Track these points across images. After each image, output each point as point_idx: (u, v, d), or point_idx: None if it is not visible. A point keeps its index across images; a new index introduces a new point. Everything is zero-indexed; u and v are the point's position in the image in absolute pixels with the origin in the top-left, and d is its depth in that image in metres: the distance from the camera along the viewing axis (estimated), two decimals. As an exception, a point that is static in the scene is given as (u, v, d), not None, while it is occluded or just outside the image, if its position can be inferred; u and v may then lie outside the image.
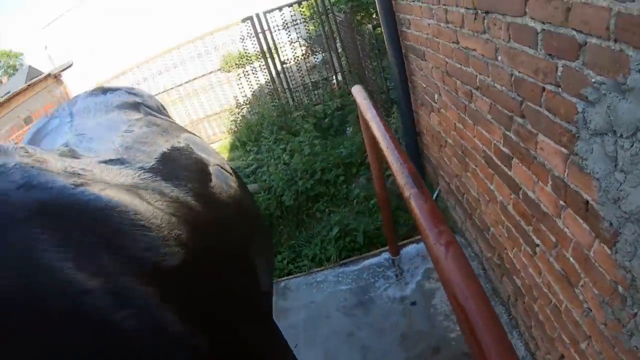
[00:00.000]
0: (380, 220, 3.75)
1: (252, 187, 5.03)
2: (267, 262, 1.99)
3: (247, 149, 6.44)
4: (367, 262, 3.36)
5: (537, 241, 1.80)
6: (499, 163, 2.01)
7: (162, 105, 2.47)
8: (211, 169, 1.73)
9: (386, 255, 3.32)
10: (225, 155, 7.07)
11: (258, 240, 1.95)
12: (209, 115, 8.27)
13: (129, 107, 1.94)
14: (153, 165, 1.41)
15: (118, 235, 0.98)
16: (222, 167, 1.84)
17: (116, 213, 1.00)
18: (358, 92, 2.36)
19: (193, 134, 2.06)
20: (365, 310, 2.99)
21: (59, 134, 1.70)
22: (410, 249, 3.30)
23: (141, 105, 2.05)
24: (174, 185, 1.37)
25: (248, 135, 6.76)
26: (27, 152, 1.04)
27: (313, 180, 4.55)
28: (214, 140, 7.92)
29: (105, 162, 1.30)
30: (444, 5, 2.19)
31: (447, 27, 2.22)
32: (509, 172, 1.91)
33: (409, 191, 1.27)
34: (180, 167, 1.54)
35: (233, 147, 7.15)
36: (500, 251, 2.37)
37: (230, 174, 1.91)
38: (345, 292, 3.19)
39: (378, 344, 2.74)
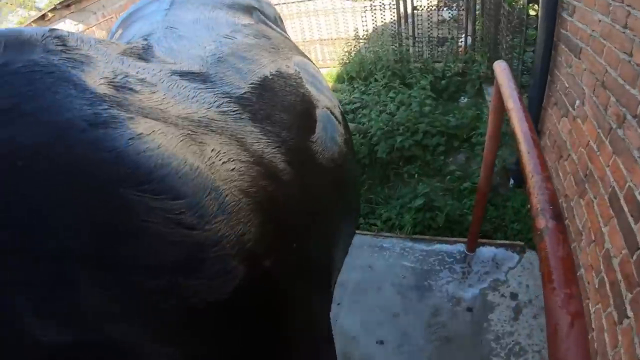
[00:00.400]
0: (467, 207, 3.47)
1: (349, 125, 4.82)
2: (344, 251, 1.61)
3: (354, 86, 6.17)
4: (438, 247, 3.14)
5: (630, 313, 1.53)
6: (625, 209, 1.69)
7: (279, 17, 2.17)
8: (319, 113, 1.31)
9: (461, 247, 3.08)
10: (329, 84, 6.85)
11: (347, 224, 1.53)
12: (324, 39, 7.99)
13: (240, 9, 1.60)
14: (244, 92, 1.04)
15: (130, 240, 0.59)
16: (331, 112, 1.43)
17: (138, 195, 0.60)
18: (502, 71, 2.02)
19: (308, 59, 1.71)
20: (419, 296, 2.82)
21: (148, 22, 1.42)
22: (486, 251, 3.03)
23: (256, 10, 1.72)
24: (262, 132, 0.98)
25: (358, 72, 6.47)
26: (62, 45, 0.73)
27: (412, 141, 4.26)
28: (322, 66, 7.69)
29: (182, 74, 0.95)
30: (628, 5, 1.78)
31: (624, 32, 1.83)
32: (633, 225, 1.60)
33: (544, 222, 1.01)
34: (279, 103, 1.14)
35: (339, 79, 6.92)
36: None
37: (339, 122, 1.48)
38: (406, 269, 3.02)
39: (418, 337, 2.59)
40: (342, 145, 1.40)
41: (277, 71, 1.25)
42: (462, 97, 5.37)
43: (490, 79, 5.25)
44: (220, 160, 0.78)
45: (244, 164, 0.84)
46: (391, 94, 5.14)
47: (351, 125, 4.75)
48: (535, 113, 3.28)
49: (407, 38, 6.62)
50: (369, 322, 2.71)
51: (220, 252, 0.67)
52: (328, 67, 7.63)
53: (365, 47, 6.99)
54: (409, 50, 6.48)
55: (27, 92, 0.60)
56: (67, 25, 11.12)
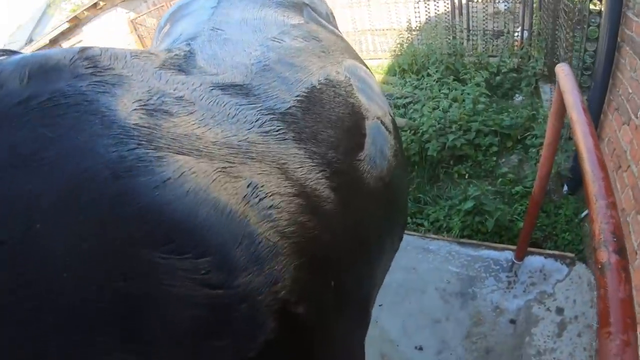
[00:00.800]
0: (517, 212, 3.36)
1: (399, 120, 4.75)
2: (387, 268, 1.52)
3: (406, 79, 6.06)
4: (486, 253, 3.05)
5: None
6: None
7: (332, 14, 2.08)
8: (368, 125, 1.24)
9: (509, 255, 2.98)
10: (380, 76, 6.75)
11: (392, 240, 1.44)
12: (375, 30, 7.86)
13: (290, 7, 1.54)
14: (290, 107, 0.97)
15: (153, 306, 0.54)
16: (382, 122, 1.34)
17: (162, 257, 0.55)
18: (566, 76, 1.87)
19: (361, 62, 1.62)
20: (462, 304, 2.76)
21: (195, 21, 1.38)
22: (535, 260, 2.91)
23: (307, 7, 1.65)
24: (307, 154, 0.91)
25: (411, 64, 6.34)
26: (93, 67, 0.68)
27: (464, 139, 4.14)
28: (373, 57, 7.59)
29: (223, 87, 0.90)
30: None
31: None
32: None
33: (606, 256, 0.94)
34: (326, 117, 1.06)
35: (391, 71, 6.81)
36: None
37: (390, 132, 1.39)
38: (451, 274, 2.95)
39: (458, 346, 2.53)
40: (391, 159, 1.31)
41: (326, 79, 1.18)
42: (517, 95, 5.18)
43: (547, 76, 5.04)
44: (256, 197, 0.73)
45: (284, 197, 0.78)
46: (444, 90, 5.01)
47: (402, 121, 4.66)
48: (594, 117, 3.11)
49: (461, 31, 6.42)
50: (409, 326, 2.68)
51: (248, 309, 0.62)
52: (379, 58, 7.53)
53: (418, 39, 6.85)
54: (463, 43, 6.28)
55: (48, 134, 0.57)
56: (118, 14, 11.36)
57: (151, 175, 0.59)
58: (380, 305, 2.80)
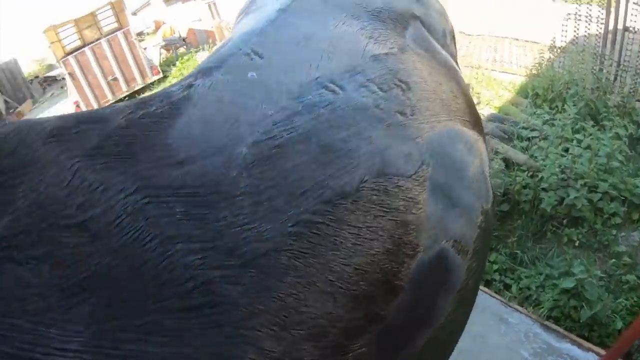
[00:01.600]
0: (620, 308, 2.91)
1: (519, 157, 4.39)
2: None
3: (537, 107, 5.43)
4: (567, 347, 2.71)
5: None
6: None
7: (451, 32, 1.58)
8: (418, 265, 0.76)
9: (592, 358, 2.61)
10: (509, 95, 6.15)
11: None
12: (514, 39, 7.15)
13: (389, 21, 1.12)
14: (264, 253, 0.57)
15: None
16: (456, 244, 0.89)
17: None
18: None
19: (471, 120, 1.15)
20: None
21: (249, 27, 1.05)
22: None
23: (415, 22, 1.21)
24: None
25: (546, 90, 5.66)
26: None
27: (587, 200, 3.60)
28: (507, 70, 6.93)
29: (165, 201, 0.56)
30: None
31: None
32: None
33: None
34: (330, 267, 0.63)
35: (522, 91, 6.16)
36: None
37: (467, 252, 0.94)
38: (520, 360, 2.64)
39: None
40: (446, 307, 0.87)
41: (376, 178, 0.73)
42: (660, 154, 4.48)
43: None
44: None
45: None
46: (579, 135, 4.40)
47: (522, 157, 4.23)
48: None
49: (610, 64, 5.61)
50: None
51: None
52: (514, 73, 6.94)
53: (559, 62, 6.13)
54: (609, 79, 5.49)
55: None
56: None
57: None
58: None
